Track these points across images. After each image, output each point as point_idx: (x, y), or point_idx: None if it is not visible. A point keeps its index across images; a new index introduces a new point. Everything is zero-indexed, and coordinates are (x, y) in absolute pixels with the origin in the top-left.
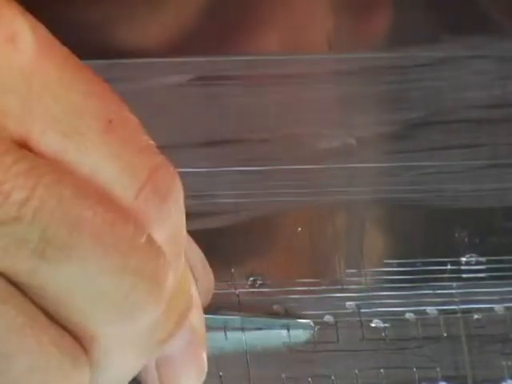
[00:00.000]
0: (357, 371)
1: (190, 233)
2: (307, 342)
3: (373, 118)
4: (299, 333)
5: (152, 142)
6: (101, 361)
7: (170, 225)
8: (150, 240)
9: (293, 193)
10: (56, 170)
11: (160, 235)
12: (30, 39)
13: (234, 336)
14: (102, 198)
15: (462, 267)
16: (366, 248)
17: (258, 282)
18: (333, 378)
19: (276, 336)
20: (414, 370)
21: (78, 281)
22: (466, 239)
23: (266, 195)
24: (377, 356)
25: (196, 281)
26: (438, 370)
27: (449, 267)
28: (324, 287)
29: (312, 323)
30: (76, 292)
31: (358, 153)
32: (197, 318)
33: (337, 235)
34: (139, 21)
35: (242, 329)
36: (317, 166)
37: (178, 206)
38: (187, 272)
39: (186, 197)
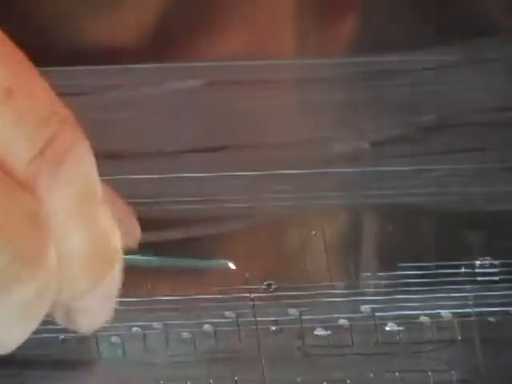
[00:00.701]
0: (372, 375)
1: (204, 237)
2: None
3: (385, 122)
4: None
5: (61, 110)
6: None
7: (70, 188)
8: (34, 213)
9: (306, 196)
10: None
11: (58, 200)
12: None
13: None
14: None
15: (476, 270)
16: (380, 251)
17: (273, 286)
18: (348, 381)
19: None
20: (429, 373)
21: None
22: (480, 242)
23: (280, 199)
24: (391, 360)
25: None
26: (452, 373)
27: (463, 270)
28: (339, 291)
29: (230, 263)
30: None
31: (370, 156)
32: (117, 271)
33: (351, 239)
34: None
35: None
36: (330, 170)
37: (81, 168)
38: (110, 230)
39: (200, 202)
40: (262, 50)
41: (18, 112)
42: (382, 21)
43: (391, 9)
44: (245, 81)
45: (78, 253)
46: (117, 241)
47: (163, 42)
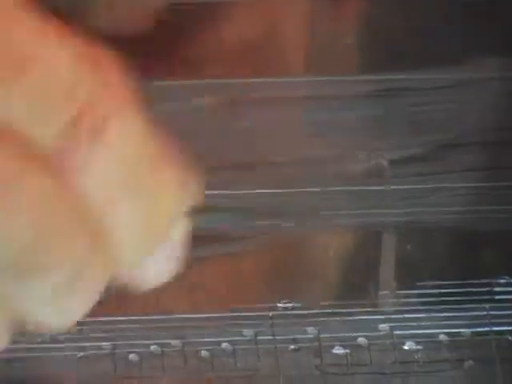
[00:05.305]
0: None
1: (222, 255)
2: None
3: (402, 140)
4: None
5: (89, 75)
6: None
7: (110, 163)
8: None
9: (324, 215)
10: None
11: (97, 175)
12: None
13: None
14: (17, 145)
15: (495, 289)
16: (398, 270)
17: (291, 305)
18: None
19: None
20: None
21: None
22: (498, 261)
23: (297, 218)
24: (409, 378)
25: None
26: None
27: (481, 289)
28: (357, 309)
29: None
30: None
31: (388, 174)
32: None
33: (369, 257)
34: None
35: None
36: (347, 188)
37: (122, 138)
38: (168, 193)
39: None
40: (274, 66)
41: (38, 84)
42: (399, 38)
43: (406, 26)
44: (259, 98)
45: (130, 225)
46: (178, 202)
47: (176, 60)
